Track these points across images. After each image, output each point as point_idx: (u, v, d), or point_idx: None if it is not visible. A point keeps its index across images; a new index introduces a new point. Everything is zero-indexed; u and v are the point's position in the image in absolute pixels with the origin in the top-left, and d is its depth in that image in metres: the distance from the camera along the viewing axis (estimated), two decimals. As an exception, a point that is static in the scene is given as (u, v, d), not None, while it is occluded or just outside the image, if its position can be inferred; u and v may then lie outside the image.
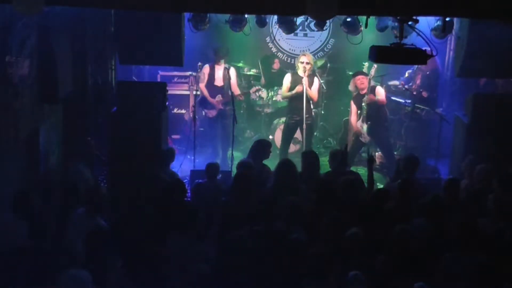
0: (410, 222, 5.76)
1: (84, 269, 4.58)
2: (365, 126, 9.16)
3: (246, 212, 5.78)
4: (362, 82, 9.13)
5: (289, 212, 5.60)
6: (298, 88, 9.00)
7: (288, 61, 11.30)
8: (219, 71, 9.50)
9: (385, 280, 4.87)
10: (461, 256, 4.96)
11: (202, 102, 9.69)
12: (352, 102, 9.56)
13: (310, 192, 6.37)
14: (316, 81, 9.34)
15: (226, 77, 9.43)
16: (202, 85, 9.61)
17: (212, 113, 9.60)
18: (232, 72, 9.54)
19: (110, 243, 5.06)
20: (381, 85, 9.50)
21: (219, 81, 9.51)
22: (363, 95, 9.11)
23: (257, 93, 10.57)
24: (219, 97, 9.49)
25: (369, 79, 9.01)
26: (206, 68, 9.56)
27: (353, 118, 9.50)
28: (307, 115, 9.06)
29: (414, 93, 9.92)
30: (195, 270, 4.80)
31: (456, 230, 5.23)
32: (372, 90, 9.13)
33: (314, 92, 9.22)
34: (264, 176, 7.01)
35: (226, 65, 9.53)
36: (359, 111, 9.29)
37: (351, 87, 9.46)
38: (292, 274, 4.85)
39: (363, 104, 9.14)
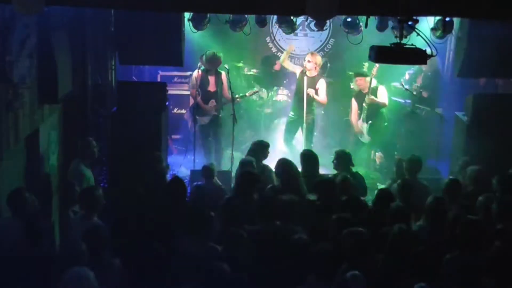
0: (410, 222, 5.76)
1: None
2: (365, 126, 9.16)
3: (249, 211, 5.79)
4: (359, 83, 9.18)
5: (288, 210, 5.60)
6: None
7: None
8: (211, 77, 9.31)
9: (384, 280, 4.86)
10: (462, 256, 4.95)
11: (193, 110, 9.40)
12: (352, 100, 9.57)
13: (310, 191, 6.38)
14: (321, 82, 9.31)
15: (219, 82, 9.30)
16: (193, 91, 9.34)
17: (205, 120, 9.37)
18: (224, 77, 9.35)
19: (108, 242, 5.06)
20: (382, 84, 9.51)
21: (212, 87, 9.31)
22: (364, 94, 9.12)
23: (254, 96, 10.50)
24: (212, 103, 9.32)
25: (370, 79, 9.01)
26: (197, 74, 9.22)
27: (353, 116, 9.51)
28: (307, 114, 9.07)
29: (414, 93, 9.92)
30: (195, 270, 4.79)
31: (456, 231, 5.23)
32: (374, 90, 9.14)
33: (321, 95, 9.23)
34: (267, 175, 7.01)
35: (218, 70, 9.36)
36: (359, 111, 9.30)
37: (353, 85, 9.49)
38: (292, 274, 4.84)
39: (363, 104, 9.14)
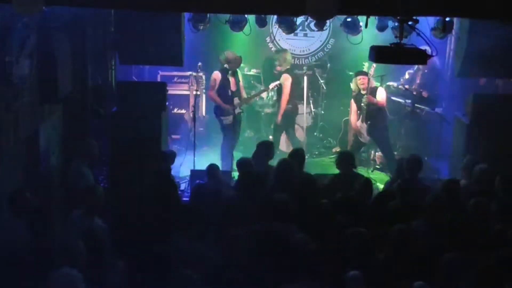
0: (411, 222, 5.76)
1: (84, 269, 4.59)
2: (364, 126, 9.16)
3: (251, 211, 5.80)
4: (362, 82, 9.16)
5: (283, 210, 5.61)
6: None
7: (288, 61, 11.28)
8: (231, 77, 9.33)
9: (384, 280, 4.86)
10: (461, 256, 4.95)
11: (217, 110, 9.43)
12: (352, 101, 9.57)
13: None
14: (282, 78, 9.60)
15: (237, 81, 9.37)
16: (213, 93, 9.33)
17: (230, 119, 9.38)
18: (239, 74, 9.49)
19: (108, 243, 5.05)
20: (381, 85, 9.52)
21: (233, 86, 9.34)
22: (364, 95, 9.12)
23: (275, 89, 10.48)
24: (236, 100, 9.32)
25: (368, 79, 9.02)
26: (217, 75, 9.27)
27: (353, 117, 9.51)
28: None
29: (414, 93, 9.92)
30: (195, 271, 4.79)
31: (456, 231, 5.23)
32: (373, 91, 9.14)
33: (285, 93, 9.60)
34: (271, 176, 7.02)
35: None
36: (359, 111, 9.30)
37: (353, 86, 9.49)
38: (292, 273, 4.84)
39: (362, 104, 9.14)
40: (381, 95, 9.20)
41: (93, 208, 5.69)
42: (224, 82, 9.28)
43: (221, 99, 9.33)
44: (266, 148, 7.41)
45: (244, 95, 9.52)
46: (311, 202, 5.98)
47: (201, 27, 8.39)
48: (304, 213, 5.84)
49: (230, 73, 9.31)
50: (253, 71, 11.09)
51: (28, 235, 5.13)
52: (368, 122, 9.14)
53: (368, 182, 6.46)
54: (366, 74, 9.13)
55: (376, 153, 9.97)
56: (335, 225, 5.51)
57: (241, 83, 9.53)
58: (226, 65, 9.25)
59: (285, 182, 6.44)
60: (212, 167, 7.00)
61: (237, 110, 9.44)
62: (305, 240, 5.03)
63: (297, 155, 7.18)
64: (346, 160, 7.18)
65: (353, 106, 9.51)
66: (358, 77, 9.26)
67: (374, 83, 9.27)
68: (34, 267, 4.71)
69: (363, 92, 9.17)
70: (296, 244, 5.02)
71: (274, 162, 7.16)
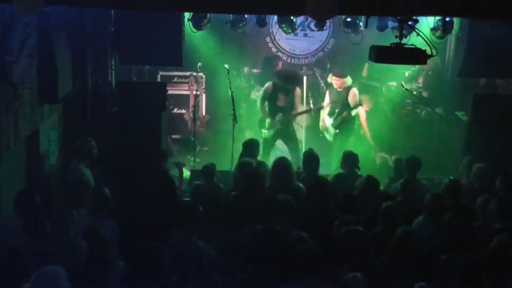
0: (412, 222, 5.75)
1: (85, 268, 4.60)
2: (332, 130, 9.19)
3: (251, 210, 5.81)
4: (335, 83, 9.17)
5: (283, 210, 5.61)
6: None
7: (289, 61, 11.30)
8: (282, 93, 9.10)
9: (386, 282, 4.86)
10: (461, 256, 4.95)
11: (260, 123, 9.31)
12: (327, 93, 9.53)
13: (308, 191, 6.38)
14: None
15: (290, 98, 9.11)
16: (261, 104, 9.15)
17: (269, 133, 9.21)
18: (298, 92, 9.28)
19: (116, 241, 5.05)
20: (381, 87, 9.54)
21: (281, 102, 9.12)
22: (339, 92, 9.11)
23: (252, 95, 10.40)
24: (279, 116, 9.19)
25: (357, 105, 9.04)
26: (269, 87, 9.07)
27: (325, 109, 9.45)
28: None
29: (414, 93, 9.92)
30: (195, 271, 4.79)
31: (456, 231, 5.23)
32: (346, 90, 9.11)
33: None
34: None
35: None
36: (331, 104, 9.27)
37: (329, 80, 9.51)
38: (292, 273, 4.84)
39: (342, 114, 9.09)
40: (352, 96, 9.13)
41: (101, 208, 5.67)
42: (273, 96, 9.07)
43: (268, 110, 9.14)
44: (254, 146, 7.49)
45: (298, 110, 9.21)
46: (318, 202, 5.99)
47: (201, 27, 8.40)
48: (308, 213, 5.85)
49: (281, 88, 9.03)
50: (253, 71, 11.10)
51: (29, 234, 5.12)
52: (336, 131, 9.15)
53: (371, 180, 6.42)
54: (340, 76, 9.11)
55: (376, 153, 9.98)
56: (337, 224, 5.52)
57: (297, 100, 9.20)
58: (283, 81, 9.04)
59: (281, 180, 6.44)
60: (206, 168, 6.98)
61: (278, 127, 9.14)
62: (302, 238, 5.03)
63: (312, 156, 7.17)
64: (350, 160, 7.17)
65: (327, 98, 9.46)
66: (332, 76, 9.28)
67: (348, 83, 9.21)
68: (34, 266, 4.71)
69: (339, 89, 9.15)
70: (294, 241, 5.01)
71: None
